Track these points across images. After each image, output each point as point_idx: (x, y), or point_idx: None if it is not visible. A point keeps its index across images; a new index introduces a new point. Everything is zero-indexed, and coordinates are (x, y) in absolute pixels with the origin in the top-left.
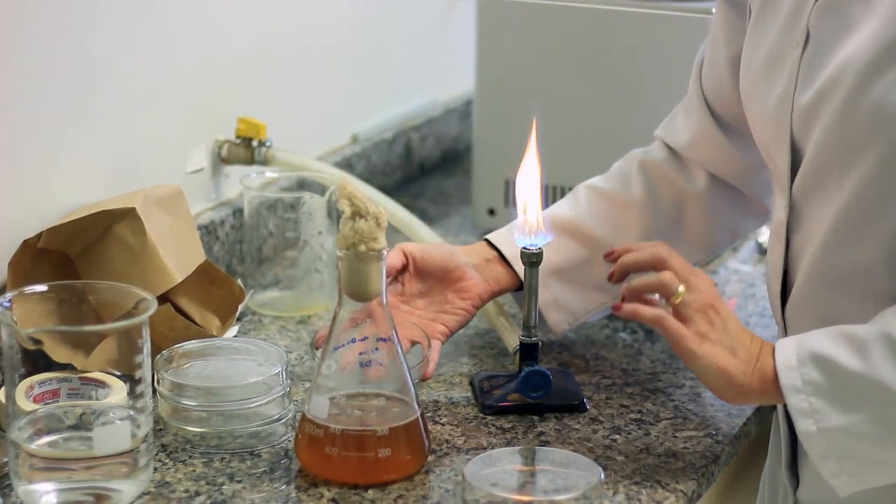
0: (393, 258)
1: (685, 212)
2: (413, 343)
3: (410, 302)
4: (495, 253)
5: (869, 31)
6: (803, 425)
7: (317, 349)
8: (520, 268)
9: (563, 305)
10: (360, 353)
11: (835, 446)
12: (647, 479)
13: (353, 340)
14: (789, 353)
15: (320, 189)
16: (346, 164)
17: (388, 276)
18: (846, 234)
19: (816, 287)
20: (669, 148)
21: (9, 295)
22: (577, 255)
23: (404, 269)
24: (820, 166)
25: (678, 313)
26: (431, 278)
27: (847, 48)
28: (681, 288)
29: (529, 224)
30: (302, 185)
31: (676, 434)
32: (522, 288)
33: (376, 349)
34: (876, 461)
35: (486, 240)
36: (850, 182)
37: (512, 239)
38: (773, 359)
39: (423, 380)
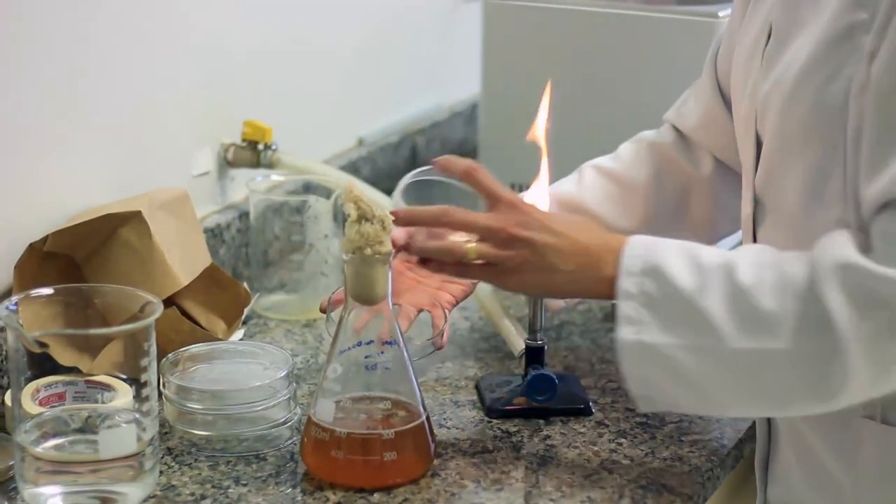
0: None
1: (689, 197)
2: (419, 311)
3: (416, 269)
4: None
5: (815, 27)
6: (624, 332)
7: (322, 311)
8: None
9: None
10: (366, 357)
11: (645, 361)
12: (653, 484)
13: (359, 344)
14: (636, 259)
15: (326, 192)
16: (352, 168)
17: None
18: (799, 231)
19: None
20: (678, 132)
21: (15, 298)
22: None
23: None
24: (771, 163)
25: (482, 265)
26: None
27: (797, 43)
28: (468, 246)
29: None
30: (308, 188)
31: (682, 438)
32: None
33: (382, 352)
34: (679, 388)
35: None
36: (795, 180)
37: None
38: (620, 257)
39: (438, 349)
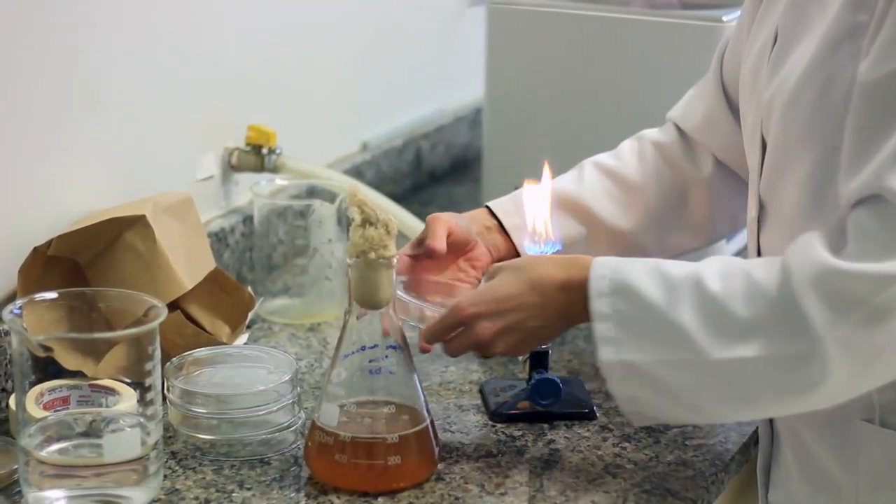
0: (438, 236)
1: (689, 196)
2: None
3: (426, 273)
4: (496, 222)
5: (818, 30)
6: (605, 353)
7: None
8: (519, 240)
9: None
10: (370, 361)
11: (630, 379)
12: (657, 488)
13: (363, 348)
14: (603, 279)
15: (330, 197)
16: (356, 172)
17: (440, 254)
18: (801, 234)
19: None
20: (680, 131)
21: (19, 302)
22: (576, 231)
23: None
24: (774, 166)
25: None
26: (453, 250)
27: (801, 47)
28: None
29: (538, 233)
30: (312, 192)
31: (686, 442)
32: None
33: (386, 356)
34: (667, 402)
35: (488, 207)
36: (797, 182)
37: (513, 209)
38: (588, 278)
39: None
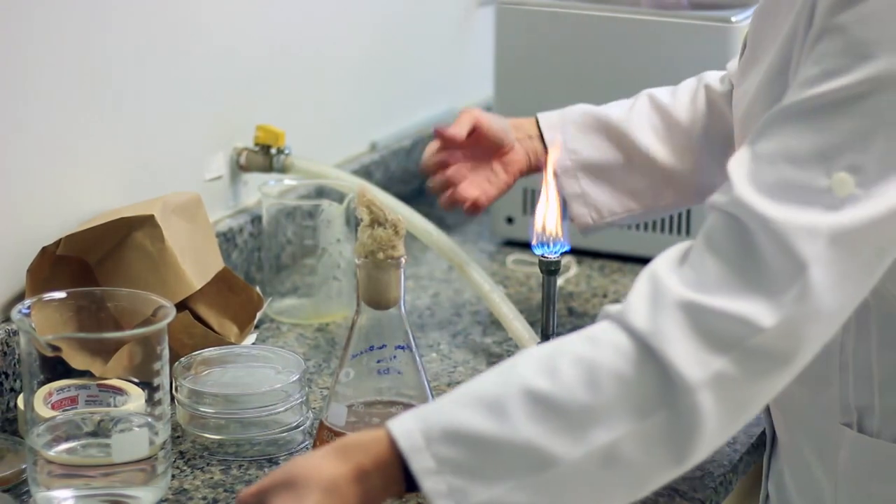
0: (462, 125)
1: (730, 143)
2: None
3: (459, 168)
4: (538, 132)
5: (767, 59)
6: None
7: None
8: (555, 154)
9: (589, 200)
10: (378, 361)
11: None
12: (665, 489)
13: (371, 348)
14: (412, 434)
15: (339, 197)
16: (365, 172)
17: (454, 141)
18: None
19: None
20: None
21: (28, 302)
22: (614, 158)
23: (469, 134)
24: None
25: None
26: (486, 148)
27: (756, 69)
28: None
29: (548, 232)
30: (320, 192)
31: None
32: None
33: (394, 357)
34: None
35: (536, 118)
36: None
37: (558, 124)
38: (392, 446)
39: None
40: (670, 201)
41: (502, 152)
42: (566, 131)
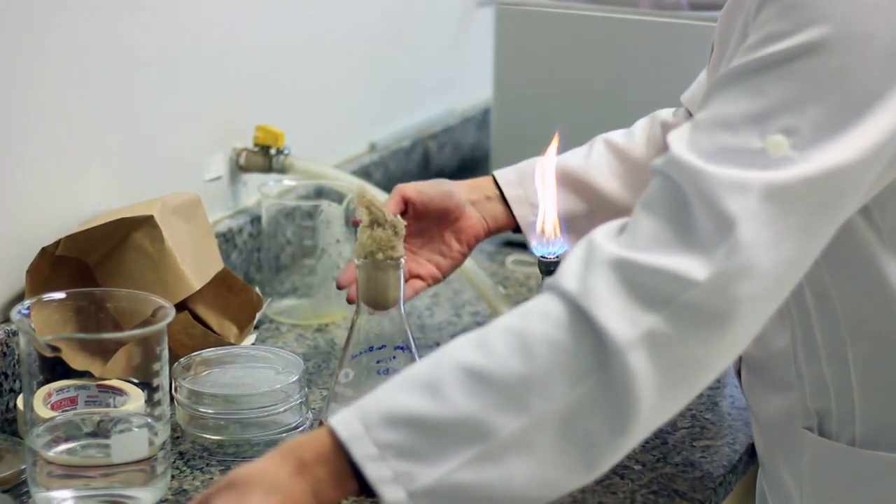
0: (391, 205)
1: None
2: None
3: (409, 241)
4: (497, 192)
5: (726, 63)
6: (391, 495)
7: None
8: (520, 211)
9: None
10: (378, 361)
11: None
12: (665, 489)
13: (371, 349)
14: (351, 423)
15: (338, 197)
16: (364, 173)
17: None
18: None
19: None
20: (691, 115)
21: (27, 302)
22: (579, 207)
23: (403, 214)
24: None
25: None
26: (430, 219)
27: (725, 63)
28: None
29: (547, 233)
30: (320, 193)
31: (694, 443)
32: (519, 229)
33: (394, 357)
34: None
35: (493, 176)
36: None
37: (516, 180)
38: (333, 437)
39: None
40: None
41: (452, 219)
42: (527, 186)
